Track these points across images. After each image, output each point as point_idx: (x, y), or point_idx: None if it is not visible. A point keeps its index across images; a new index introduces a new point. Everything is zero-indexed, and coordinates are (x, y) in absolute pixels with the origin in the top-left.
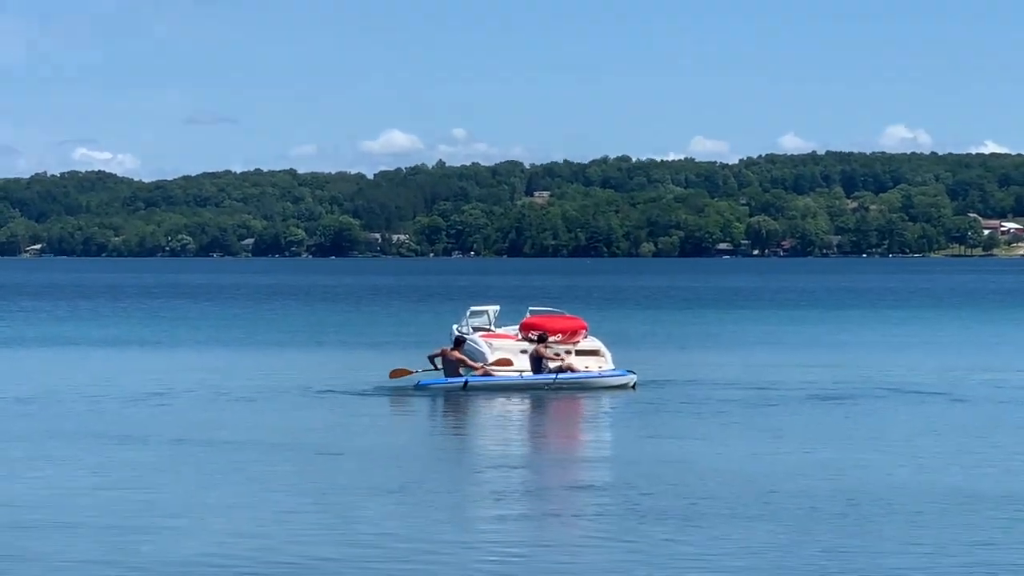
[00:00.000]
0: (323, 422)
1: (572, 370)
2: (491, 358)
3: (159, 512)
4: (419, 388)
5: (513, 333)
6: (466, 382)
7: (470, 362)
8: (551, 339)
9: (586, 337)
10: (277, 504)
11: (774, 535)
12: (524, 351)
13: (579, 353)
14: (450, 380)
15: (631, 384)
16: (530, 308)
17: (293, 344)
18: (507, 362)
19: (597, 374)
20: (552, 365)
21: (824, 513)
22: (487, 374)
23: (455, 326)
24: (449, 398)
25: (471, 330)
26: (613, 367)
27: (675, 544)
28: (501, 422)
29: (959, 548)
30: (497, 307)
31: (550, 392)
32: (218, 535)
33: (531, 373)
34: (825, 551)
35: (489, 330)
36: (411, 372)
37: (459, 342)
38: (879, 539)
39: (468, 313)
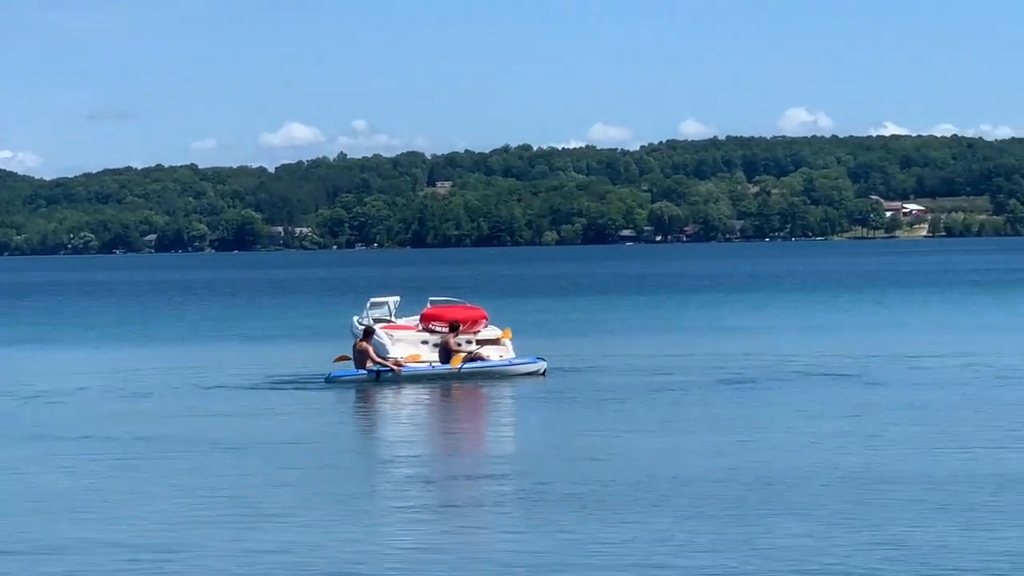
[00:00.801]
0: (228, 416)
1: (481, 358)
2: (392, 349)
3: (55, 505)
4: (330, 381)
5: (413, 324)
6: (378, 372)
7: (376, 357)
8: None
9: (487, 326)
10: (176, 498)
11: (678, 520)
12: (425, 342)
13: (480, 343)
14: (359, 372)
15: (541, 371)
16: (430, 298)
17: (195, 339)
18: (416, 358)
19: (507, 362)
20: (462, 355)
21: (726, 497)
22: (399, 365)
23: (355, 318)
24: (360, 390)
25: (372, 322)
26: (514, 355)
27: (578, 531)
28: (409, 412)
29: (860, 527)
30: (397, 298)
31: (460, 382)
32: (112, 527)
33: (440, 364)
34: (726, 535)
35: (390, 321)
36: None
37: (368, 333)
38: (780, 521)
39: (368, 304)
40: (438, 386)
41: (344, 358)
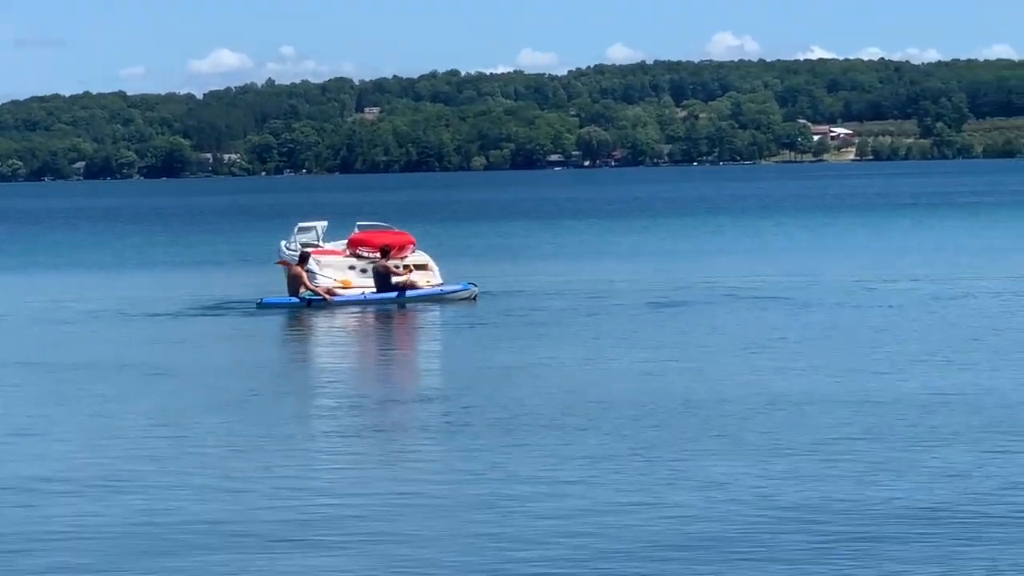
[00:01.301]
0: (155, 343)
1: (415, 286)
2: (320, 274)
3: None
4: (261, 307)
5: (341, 249)
6: (309, 300)
7: (309, 283)
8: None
9: (414, 251)
10: (106, 424)
11: (601, 444)
12: (352, 267)
13: (408, 268)
14: (292, 299)
15: (472, 296)
16: (358, 223)
17: (121, 266)
18: (347, 284)
19: (439, 290)
20: (395, 280)
21: (651, 421)
22: (331, 294)
23: (283, 243)
24: (292, 316)
25: (299, 247)
26: (441, 281)
27: (501, 456)
28: (340, 339)
29: (785, 450)
30: (325, 223)
31: (392, 308)
32: (35, 459)
33: (374, 290)
34: (646, 457)
35: (317, 246)
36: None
37: (304, 258)
38: (703, 444)
39: (296, 229)
40: (370, 313)
41: (285, 263)
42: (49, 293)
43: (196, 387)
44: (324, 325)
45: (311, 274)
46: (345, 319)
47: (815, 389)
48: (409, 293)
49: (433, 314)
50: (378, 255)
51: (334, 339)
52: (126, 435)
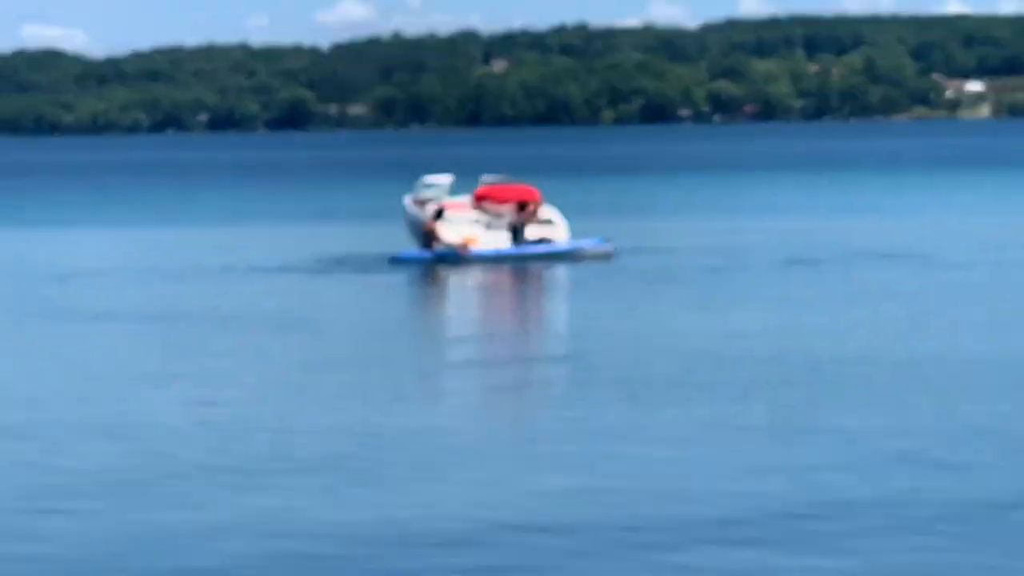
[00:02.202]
0: (283, 296)
1: (549, 241)
2: (447, 229)
3: (126, 383)
4: (394, 262)
5: (466, 203)
6: (444, 255)
7: (445, 238)
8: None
9: (540, 206)
10: (243, 377)
11: (725, 403)
12: (477, 221)
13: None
14: (425, 253)
15: (607, 253)
16: (482, 177)
17: (247, 218)
18: (472, 240)
19: (574, 245)
20: (532, 234)
21: (776, 380)
22: (465, 248)
23: (407, 198)
24: (425, 271)
25: (425, 201)
26: (568, 237)
27: (622, 414)
28: (471, 296)
29: (917, 410)
30: (450, 178)
31: (528, 263)
32: (185, 406)
33: (511, 244)
34: (774, 419)
35: (441, 200)
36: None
37: (439, 213)
38: (838, 403)
39: (420, 184)
40: (505, 268)
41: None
42: (170, 246)
43: (328, 342)
44: (457, 281)
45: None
46: (479, 274)
47: (948, 349)
48: (544, 249)
49: (568, 271)
50: (508, 209)
51: (466, 296)
52: (247, 387)
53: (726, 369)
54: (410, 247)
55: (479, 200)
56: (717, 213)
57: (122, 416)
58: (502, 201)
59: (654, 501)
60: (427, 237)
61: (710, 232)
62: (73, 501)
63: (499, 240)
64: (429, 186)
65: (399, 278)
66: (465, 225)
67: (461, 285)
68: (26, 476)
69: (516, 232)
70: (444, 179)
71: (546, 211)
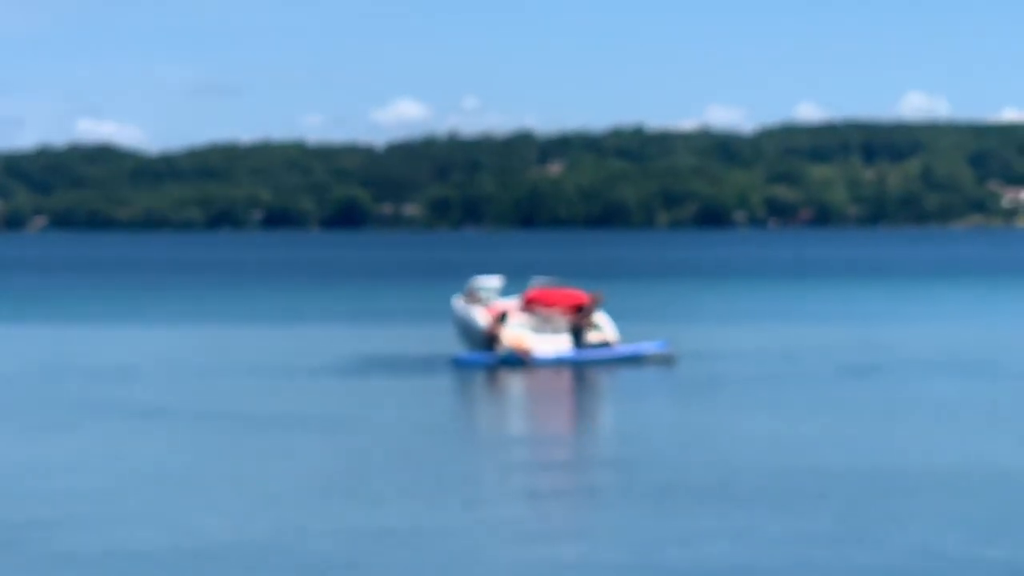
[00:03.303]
0: (339, 397)
1: (609, 344)
2: (508, 333)
3: (169, 485)
4: (458, 364)
5: (515, 305)
6: (506, 358)
7: (508, 341)
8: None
9: (597, 307)
10: (291, 482)
11: (797, 515)
12: (535, 326)
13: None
14: (487, 355)
15: (669, 357)
16: (532, 280)
17: (301, 319)
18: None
19: (637, 349)
20: (593, 338)
21: (847, 493)
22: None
23: (457, 298)
24: (489, 374)
25: (475, 303)
26: (617, 339)
27: (694, 522)
28: (534, 398)
29: (997, 528)
30: (501, 279)
31: (586, 367)
32: (222, 507)
33: (569, 347)
34: (849, 531)
35: (490, 303)
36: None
37: (502, 317)
38: (903, 521)
39: (471, 286)
40: (566, 372)
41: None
42: (226, 344)
43: (379, 442)
44: (519, 385)
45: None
46: (540, 379)
47: (1012, 462)
48: (606, 354)
49: (630, 374)
50: (558, 312)
51: (526, 400)
52: (304, 489)
53: (796, 479)
54: (460, 349)
55: (529, 303)
56: (773, 319)
57: (177, 516)
58: (552, 304)
59: None
60: (489, 341)
61: (767, 338)
62: None
63: (556, 344)
64: (479, 288)
65: (460, 381)
66: (526, 329)
67: (523, 389)
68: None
69: (577, 336)
70: (494, 281)
71: (596, 315)
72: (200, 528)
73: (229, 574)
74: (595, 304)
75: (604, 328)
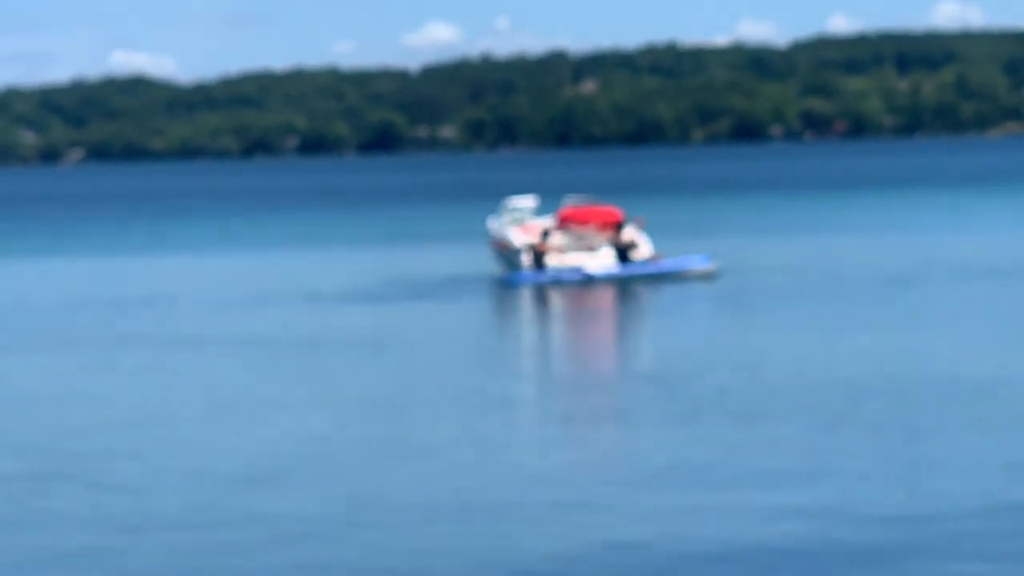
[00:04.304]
0: (377, 321)
1: (655, 259)
2: (524, 252)
3: (215, 411)
4: (505, 284)
5: (550, 224)
6: (555, 275)
7: (557, 258)
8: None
9: (637, 224)
10: (328, 407)
11: (827, 429)
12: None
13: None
14: (538, 275)
15: (711, 272)
16: (566, 199)
17: (347, 242)
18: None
19: (681, 264)
20: (637, 254)
21: (880, 407)
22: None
23: (491, 219)
24: (536, 292)
25: (510, 223)
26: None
27: (722, 439)
28: (579, 315)
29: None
30: (534, 199)
31: (633, 282)
32: (254, 431)
33: (614, 263)
34: (878, 448)
35: (525, 222)
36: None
37: (546, 234)
38: (937, 434)
39: (505, 207)
40: (613, 288)
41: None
42: (254, 271)
43: (428, 364)
44: (570, 302)
45: (515, 248)
46: (590, 295)
47: None
48: (652, 269)
49: (675, 290)
50: (595, 229)
51: (572, 315)
52: (334, 409)
53: (829, 394)
54: (496, 270)
55: (563, 221)
56: (811, 231)
57: (222, 441)
58: (586, 222)
59: (756, 524)
60: (537, 258)
61: (806, 250)
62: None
63: (598, 260)
64: (513, 209)
65: (503, 300)
66: (572, 246)
67: (571, 306)
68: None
69: (620, 252)
70: (528, 201)
71: (628, 232)
72: (241, 453)
73: (274, 496)
74: (630, 222)
75: (641, 245)
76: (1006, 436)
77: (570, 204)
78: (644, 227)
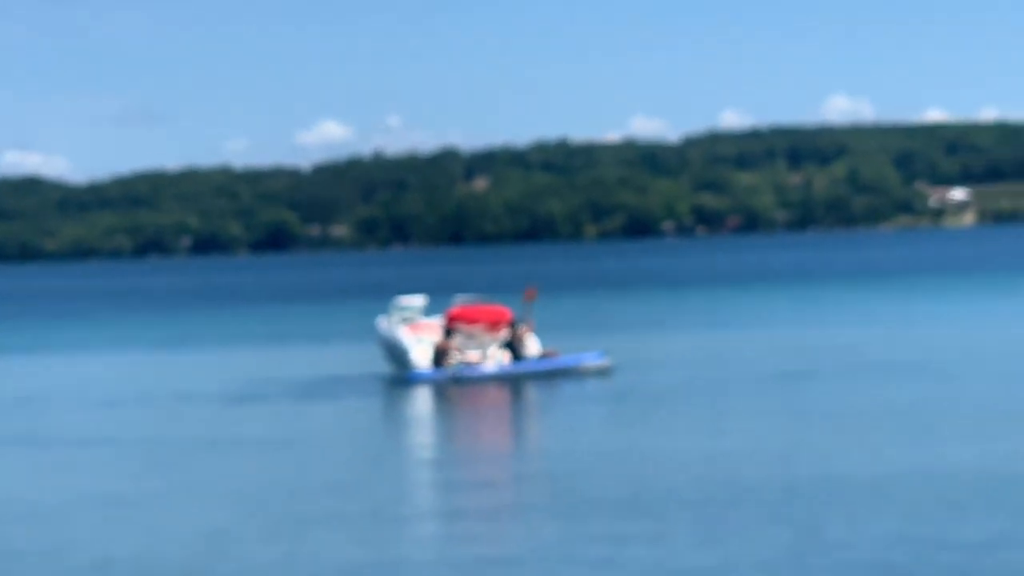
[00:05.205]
0: (264, 421)
1: (551, 357)
2: (413, 351)
3: (98, 506)
4: (410, 381)
5: (438, 324)
6: (456, 375)
7: (459, 356)
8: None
9: (526, 325)
10: (217, 505)
11: (714, 526)
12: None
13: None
14: (438, 371)
15: (606, 368)
16: (455, 298)
17: (236, 342)
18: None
19: (576, 360)
20: (532, 351)
21: (772, 502)
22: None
23: (381, 318)
24: (437, 390)
25: (399, 322)
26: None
27: (607, 537)
28: (470, 412)
29: (908, 529)
30: (423, 298)
31: (527, 379)
32: (148, 534)
33: (509, 360)
34: (773, 544)
35: (414, 321)
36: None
37: (449, 332)
38: (829, 528)
39: (394, 305)
40: (510, 384)
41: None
42: (158, 371)
43: (301, 463)
44: (464, 399)
45: (402, 347)
46: (485, 392)
47: (945, 462)
48: (547, 365)
49: (570, 387)
50: (484, 329)
51: (460, 412)
52: (229, 511)
53: (714, 489)
54: (384, 368)
55: (452, 321)
56: (705, 326)
57: (113, 546)
58: (475, 321)
59: None
60: (439, 356)
61: (700, 345)
62: None
63: (494, 358)
64: (403, 307)
65: (403, 398)
66: (463, 345)
67: (469, 404)
68: None
69: (514, 349)
70: (418, 300)
71: (520, 330)
72: (125, 555)
73: None
74: (520, 325)
75: (530, 345)
76: (890, 531)
77: (459, 304)
78: (534, 331)
